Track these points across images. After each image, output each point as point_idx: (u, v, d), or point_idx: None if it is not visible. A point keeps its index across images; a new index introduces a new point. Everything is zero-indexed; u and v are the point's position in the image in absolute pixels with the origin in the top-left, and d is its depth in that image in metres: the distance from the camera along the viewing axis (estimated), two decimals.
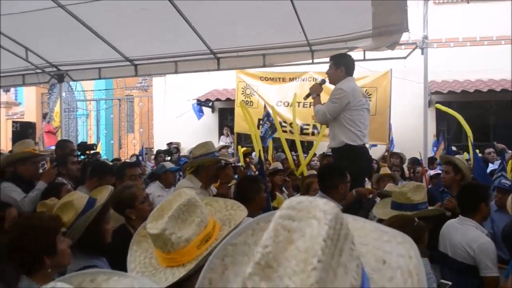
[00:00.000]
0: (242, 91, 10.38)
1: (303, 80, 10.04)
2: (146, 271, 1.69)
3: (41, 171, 5.16)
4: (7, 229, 2.39)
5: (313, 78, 9.47)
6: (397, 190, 3.76)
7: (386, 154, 9.40)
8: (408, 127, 10.22)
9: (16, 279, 2.16)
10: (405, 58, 7.03)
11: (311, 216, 0.73)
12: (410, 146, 9.27)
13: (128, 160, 9.73)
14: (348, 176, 4.08)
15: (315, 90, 5.30)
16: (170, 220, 1.63)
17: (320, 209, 0.74)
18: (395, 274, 0.82)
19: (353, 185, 4.26)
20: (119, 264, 1.84)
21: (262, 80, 10.21)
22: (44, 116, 15.49)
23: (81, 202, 2.72)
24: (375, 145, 9.71)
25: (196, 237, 1.64)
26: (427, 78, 6.41)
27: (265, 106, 9.30)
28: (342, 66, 5.03)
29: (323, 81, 5.38)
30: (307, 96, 5.52)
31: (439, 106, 9.13)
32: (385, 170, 6.45)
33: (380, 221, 3.38)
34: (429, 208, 3.73)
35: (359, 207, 4.35)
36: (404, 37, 6.38)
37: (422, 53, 6.36)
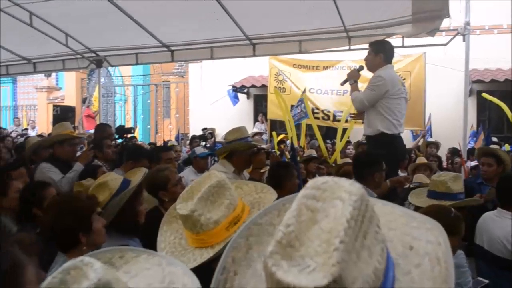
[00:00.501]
0: (275, 77, 10.36)
1: (338, 69, 9.93)
2: (175, 251, 1.71)
3: (79, 153, 5.31)
4: (46, 207, 2.47)
5: (348, 66, 9.36)
6: (435, 179, 3.67)
7: (421, 143, 9.20)
8: (446, 116, 9.96)
9: (53, 255, 2.23)
10: (445, 45, 6.81)
11: (335, 196, 0.72)
12: (447, 135, 9.04)
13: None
14: (384, 164, 4.01)
15: (353, 77, 5.22)
16: (199, 201, 1.63)
17: (345, 189, 0.72)
18: (423, 260, 0.80)
19: (387, 174, 4.19)
20: (151, 245, 1.87)
21: (295, 67, 10.15)
22: (84, 100, 15.88)
23: (116, 182, 2.78)
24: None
25: (225, 219, 1.64)
26: (468, 66, 6.22)
27: (304, 91, 9.25)
28: (381, 53, 4.92)
29: (361, 68, 5.28)
30: (344, 82, 5.45)
31: (485, 95, 8.79)
32: (421, 159, 6.31)
33: (416, 210, 3.32)
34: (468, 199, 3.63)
35: (394, 197, 4.28)
36: (445, 23, 6.18)
37: (464, 40, 6.17)
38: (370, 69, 5.05)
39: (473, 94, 11.14)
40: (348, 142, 8.90)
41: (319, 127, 8.43)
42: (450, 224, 2.61)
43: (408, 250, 0.83)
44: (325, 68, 10.12)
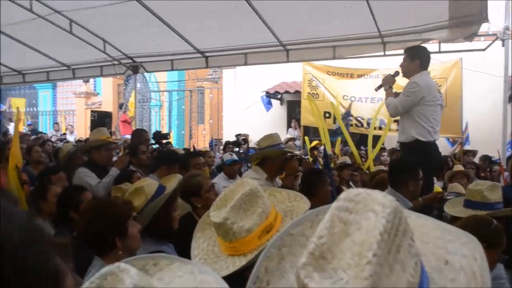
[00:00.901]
0: (308, 83, 10.36)
1: (373, 77, 9.88)
2: (208, 258, 1.72)
3: (116, 158, 5.42)
4: (82, 211, 2.54)
5: (383, 74, 9.29)
6: (472, 188, 3.57)
7: (458, 150, 8.98)
8: (484, 123, 9.69)
9: (90, 259, 2.29)
10: (483, 50, 6.65)
11: (368, 209, 0.71)
12: (484, 143, 8.79)
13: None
14: (421, 173, 3.94)
15: (388, 82, 5.16)
16: (232, 209, 1.64)
17: (378, 202, 0.72)
18: (458, 275, 0.78)
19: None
20: (185, 251, 1.89)
21: (329, 74, 10.12)
22: (120, 106, 16.21)
23: (152, 188, 2.83)
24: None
25: (258, 227, 1.64)
26: (508, 71, 6.04)
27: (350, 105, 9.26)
28: (417, 59, 4.85)
29: (397, 73, 5.21)
30: (379, 87, 5.41)
31: None
32: (458, 167, 6.16)
33: (453, 219, 3.24)
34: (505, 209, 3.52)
35: (429, 211, 4.18)
36: (483, 27, 6.04)
37: (503, 45, 5.99)
38: (406, 75, 4.99)
39: None
40: (383, 149, 8.79)
41: (353, 134, 8.36)
42: (491, 236, 2.54)
43: (443, 264, 0.81)
44: (359, 76, 10.08)
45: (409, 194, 3.84)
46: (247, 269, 1.61)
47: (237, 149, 8.69)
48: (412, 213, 0.96)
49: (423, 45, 6.56)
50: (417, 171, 3.93)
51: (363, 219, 0.71)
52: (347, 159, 6.76)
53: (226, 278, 1.14)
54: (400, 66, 5.07)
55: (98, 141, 4.94)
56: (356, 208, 0.73)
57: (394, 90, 5.15)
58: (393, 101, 4.85)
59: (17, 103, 17.43)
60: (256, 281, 0.96)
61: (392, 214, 0.71)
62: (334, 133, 8.47)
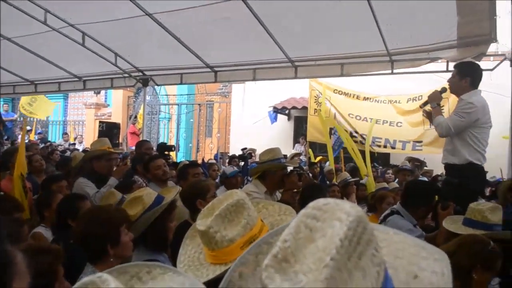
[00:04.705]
0: (315, 99, 10.43)
1: (378, 102, 10.00)
2: (192, 265, 1.75)
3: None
4: (78, 217, 2.56)
5: (389, 101, 9.52)
6: (473, 207, 3.55)
7: None
8: (492, 143, 9.60)
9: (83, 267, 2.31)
10: (491, 70, 6.63)
11: (335, 217, 0.73)
12: (493, 164, 8.72)
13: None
14: (433, 202, 3.93)
15: (435, 99, 4.84)
16: (216, 218, 1.67)
17: (345, 211, 0.73)
18: None
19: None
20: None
21: (336, 92, 10.21)
22: (130, 118, 16.36)
23: (150, 198, 2.85)
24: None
25: (241, 238, 1.66)
26: None
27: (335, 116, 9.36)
28: (468, 76, 4.58)
29: (444, 90, 4.93)
30: (424, 104, 5.15)
31: None
32: None
33: (451, 235, 3.21)
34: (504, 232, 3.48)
35: None
36: (492, 48, 6.03)
37: None
38: (454, 92, 4.78)
39: None
40: (390, 167, 8.76)
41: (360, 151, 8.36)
42: (486, 258, 2.51)
43: (412, 279, 0.82)
44: (365, 99, 10.20)
45: (415, 215, 3.84)
46: None
47: (242, 163, 8.69)
48: (390, 229, 0.97)
49: (429, 63, 6.60)
50: (433, 199, 3.90)
51: (328, 227, 0.72)
52: (347, 176, 6.77)
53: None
54: (448, 81, 4.81)
55: (99, 151, 4.96)
56: (323, 216, 0.74)
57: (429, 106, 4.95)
58: (444, 121, 4.55)
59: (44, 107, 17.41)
60: (228, 284, 0.97)
61: (355, 223, 0.72)
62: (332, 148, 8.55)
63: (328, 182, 6.32)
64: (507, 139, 6.31)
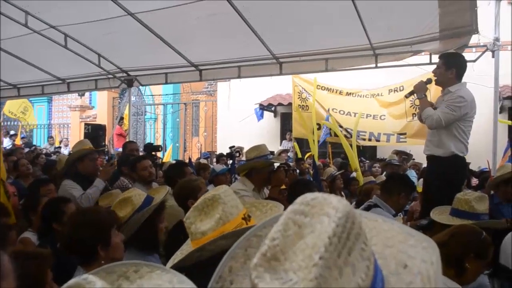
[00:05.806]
0: (298, 95, 10.46)
1: (361, 97, 10.11)
2: (182, 255, 1.84)
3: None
4: (66, 220, 2.53)
5: (372, 95, 9.66)
6: (460, 197, 3.59)
7: None
8: (476, 133, 9.72)
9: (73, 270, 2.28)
10: (474, 61, 6.69)
11: (323, 212, 0.73)
12: (478, 153, 8.82)
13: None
14: (413, 192, 4.05)
15: (421, 90, 4.82)
16: (194, 210, 1.76)
17: (333, 206, 0.73)
18: (415, 279, 0.79)
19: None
20: None
21: (319, 88, 10.26)
22: (116, 119, 16.24)
23: (139, 199, 2.83)
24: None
25: (212, 232, 1.72)
26: (498, 82, 6.08)
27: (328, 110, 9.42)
28: (453, 67, 4.56)
29: (429, 81, 4.90)
30: (410, 94, 5.20)
31: (502, 121, 8.49)
32: None
33: (442, 227, 3.24)
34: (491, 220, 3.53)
35: None
36: (474, 39, 6.09)
37: (493, 56, 6.04)
38: (439, 83, 4.74)
39: (504, 111, 10.89)
40: (377, 161, 8.81)
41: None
42: (479, 247, 2.56)
43: (402, 268, 0.82)
44: (348, 94, 10.30)
45: (395, 205, 3.95)
46: (211, 266, 1.69)
47: (231, 161, 8.67)
48: (379, 216, 0.97)
49: (412, 56, 6.64)
50: (413, 190, 4.01)
51: (317, 223, 0.72)
52: (331, 171, 6.82)
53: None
54: (433, 72, 4.78)
55: (81, 152, 4.90)
56: (311, 211, 0.74)
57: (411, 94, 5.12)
58: (435, 114, 4.50)
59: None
60: (219, 280, 0.97)
61: (344, 218, 0.72)
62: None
63: None
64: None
